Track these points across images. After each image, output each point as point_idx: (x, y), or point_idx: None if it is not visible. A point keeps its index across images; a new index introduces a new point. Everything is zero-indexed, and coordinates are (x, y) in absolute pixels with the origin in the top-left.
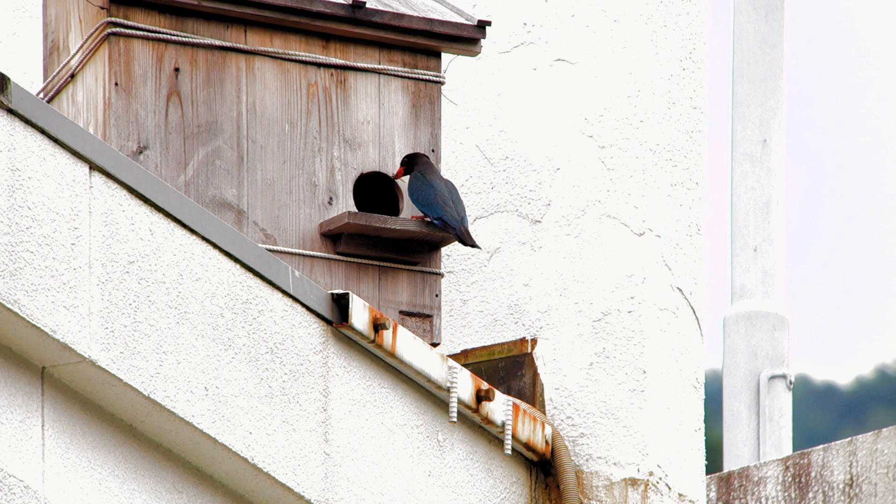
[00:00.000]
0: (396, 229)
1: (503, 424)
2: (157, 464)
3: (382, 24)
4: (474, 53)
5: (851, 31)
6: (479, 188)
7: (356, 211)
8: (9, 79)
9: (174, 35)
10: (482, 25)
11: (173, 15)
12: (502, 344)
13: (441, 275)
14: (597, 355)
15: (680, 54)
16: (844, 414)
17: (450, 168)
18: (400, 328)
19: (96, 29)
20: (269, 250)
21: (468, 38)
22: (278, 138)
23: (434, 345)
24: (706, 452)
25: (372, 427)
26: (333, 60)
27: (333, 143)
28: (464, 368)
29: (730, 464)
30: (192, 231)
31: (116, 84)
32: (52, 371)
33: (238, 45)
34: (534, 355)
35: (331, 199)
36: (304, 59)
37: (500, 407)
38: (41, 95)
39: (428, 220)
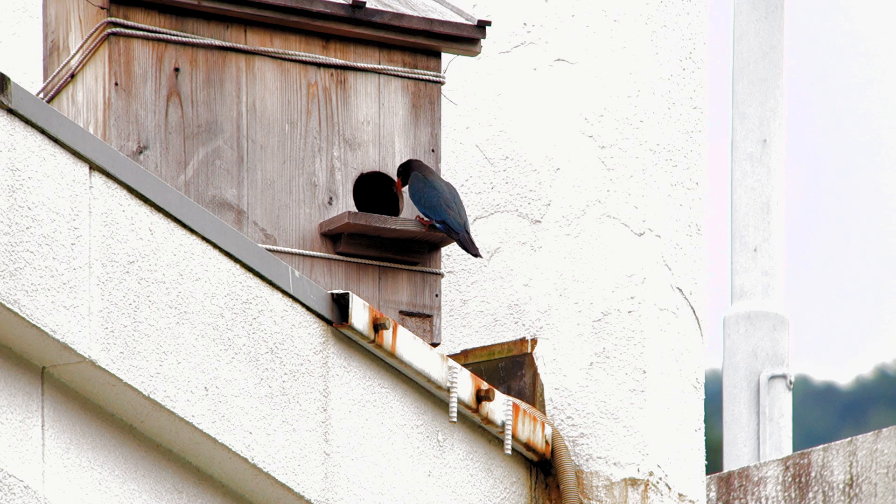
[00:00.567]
0: (396, 229)
1: (503, 424)
2: (157, 464)
3: (382, 24)
4: (474, 53)
5: (851, 32)
6: (479, 188)
7: (356, 211)
8: (9, 79)
9: (174, 35)
10: (482, 25)
11: (173, 15)
12: (502, 344)
13: (441, 275)
14: (597, 355)
15: (680, 54)
16: (844, 414)
17: (450, 168)
18: (400, 328)
19: (96, 29)
20: (269, 250)
21: (468, 38)
22: (278, 138)
23: (434, 345)
24: (706, 452)
25: (372, 427)
26: (333, 60)
27: (333, 143)
28: (464, 368)
29: (730, 464)
30: (192, 231)
31: (116, 84)
32: (52, 371)
33: (238, 45)
34: (534, 355)
35: (331, 199)
36: (304, 59)
37: (500, 407)
38: (41, 95)
39: (430, 223)
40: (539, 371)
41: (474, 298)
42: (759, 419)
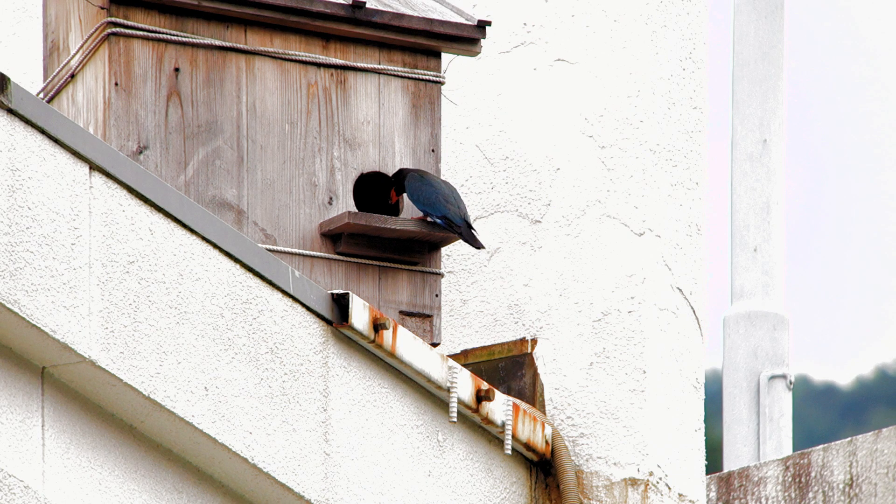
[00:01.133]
0: (396, 229)
1: (503, 424)
2: (157, 464)
3: (382, 24)
4: (474, 53)
5: (851, 31)
6: (479, 188)
7: (356, 211)
8: (9, 79)
9: (174, 35)
10: (482, 25)
11: (173, 15)
12: (502, 344)
13: (441, 275)
14: (597, 355)
15: (680, 54)
16: (844, 414)
17: (450, 168)
18: (400, 328)
19: (96, 29)
20: (269, 250)
21: (468, 38)
22: (278, 138)
23: (434, 345)
24: (706, 452)
25: (372, 427)
26: (333, 60)
27: (333, 143)
28: (464, 368)
29: (730, 464)
30: (192, 231)
31: (116, 84)
32: (52, 371)
33: (238, 45)
34: (534, 355)
35: (331, 199)
36: (304, 59)
37: (500, 407)
38: (41, 95)
39: (430, 220)
40: (539, 371)
41: (474, 298)
42: (759, 419)
